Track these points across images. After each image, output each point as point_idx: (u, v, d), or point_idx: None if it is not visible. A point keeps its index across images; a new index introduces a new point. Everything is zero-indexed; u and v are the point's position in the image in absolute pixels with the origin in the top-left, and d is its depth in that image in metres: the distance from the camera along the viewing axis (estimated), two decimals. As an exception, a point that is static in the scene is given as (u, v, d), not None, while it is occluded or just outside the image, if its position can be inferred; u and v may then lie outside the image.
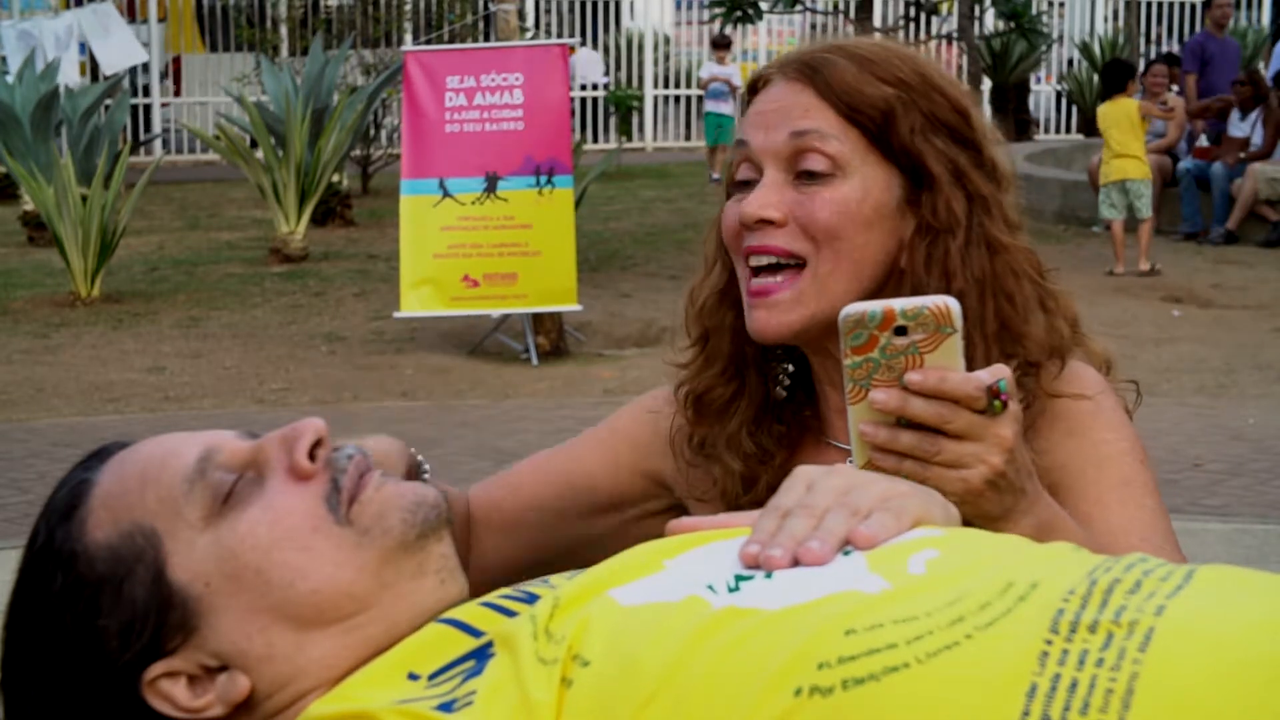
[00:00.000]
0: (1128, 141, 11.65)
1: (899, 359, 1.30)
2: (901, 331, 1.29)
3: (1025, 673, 0.98)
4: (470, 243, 8.92)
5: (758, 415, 1.64)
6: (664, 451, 1.71)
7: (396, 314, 9.21)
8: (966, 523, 1.26)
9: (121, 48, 16.60)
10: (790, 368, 1.66)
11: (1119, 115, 11.70)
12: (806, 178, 1.56)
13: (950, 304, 1.30)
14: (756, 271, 1.57)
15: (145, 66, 19.71)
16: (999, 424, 1.33)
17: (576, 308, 9.00)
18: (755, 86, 1.64)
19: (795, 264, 1.55)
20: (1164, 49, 21.79)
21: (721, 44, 18.36)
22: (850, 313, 1.30)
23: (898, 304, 1.29)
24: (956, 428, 1.32)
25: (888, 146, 1.57)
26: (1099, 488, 1.56)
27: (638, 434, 1.74)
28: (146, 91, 20.89)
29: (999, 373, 1.33)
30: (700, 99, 22.09)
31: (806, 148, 1.55)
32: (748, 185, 1.59)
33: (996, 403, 1.32)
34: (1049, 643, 0.99)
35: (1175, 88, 15.10)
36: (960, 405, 1.31)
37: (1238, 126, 13.59)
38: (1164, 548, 1.50)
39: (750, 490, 1.61)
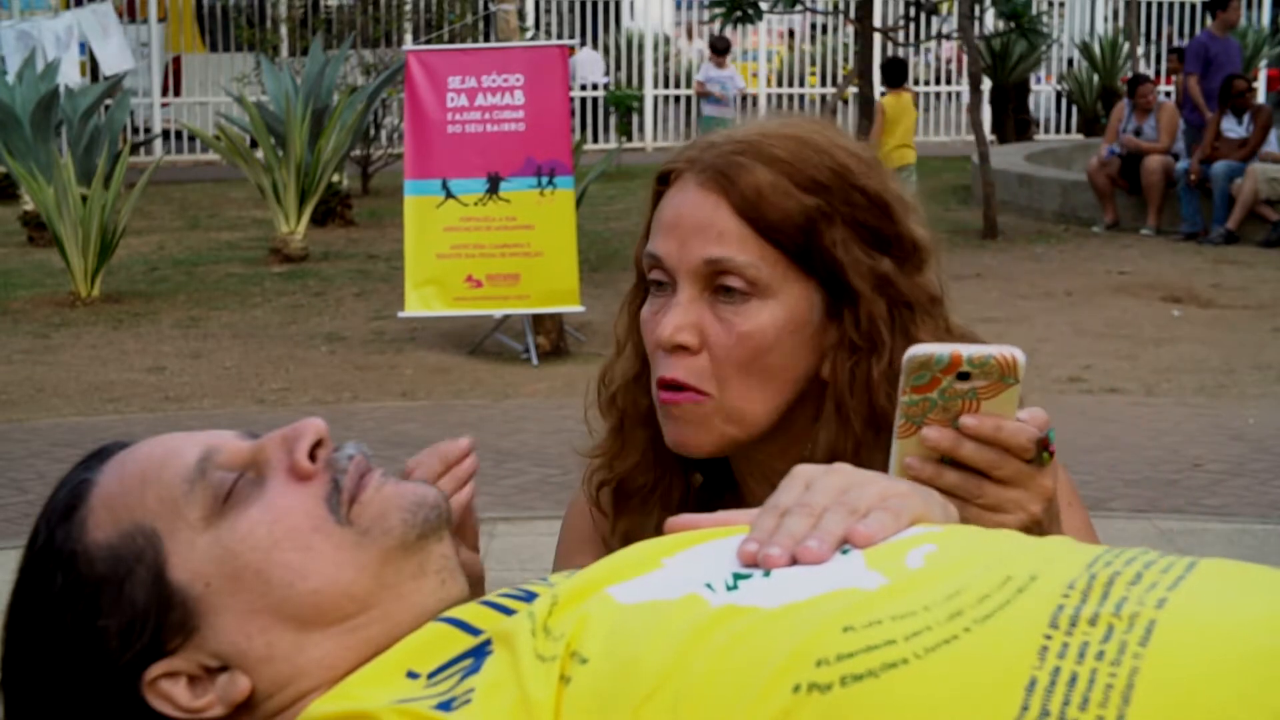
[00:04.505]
0: (908, 132, 13.49)
1: (956, 402, 1.30)
2: (964, 377, 1.29)
3: (1025, 667, 0.97)
4: (473, 243, 8.93)
5: (681, 503, 1.60)
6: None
7: (400, 314, 9.22)
8: None
9: (115, 51, 16.61)
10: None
11: (902, 108, 13.47)
12: (724, 293, 1.50)
13: (1017, 355, 1.29)
14: (664, 385, 1.53)
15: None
16: (1043, 474, 1.34)
17: (579, 309, 9.00)
18: (667, 178, 1.56)
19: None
20: (1169, 46, 21.80)
21: (721, 49, 18.32)
22: (917, 354, 1.29)
23: (965, 350, 1.29)
24: (1003, 474, 1.32)
25: (808, 262, 1.51)
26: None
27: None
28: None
29: (1040, 419, 1.33)
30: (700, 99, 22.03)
31: (723, 270, 1.50)
32: (663, 288, 1.53)
33: (1045, 454, 1.34)
34: (1049, 636, 0.99)
35: (1168, 90, 15.09)
36: (1010, 453, 1.32)
37: (1234, 130, 13.59)
38: None
39: None
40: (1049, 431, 1.34)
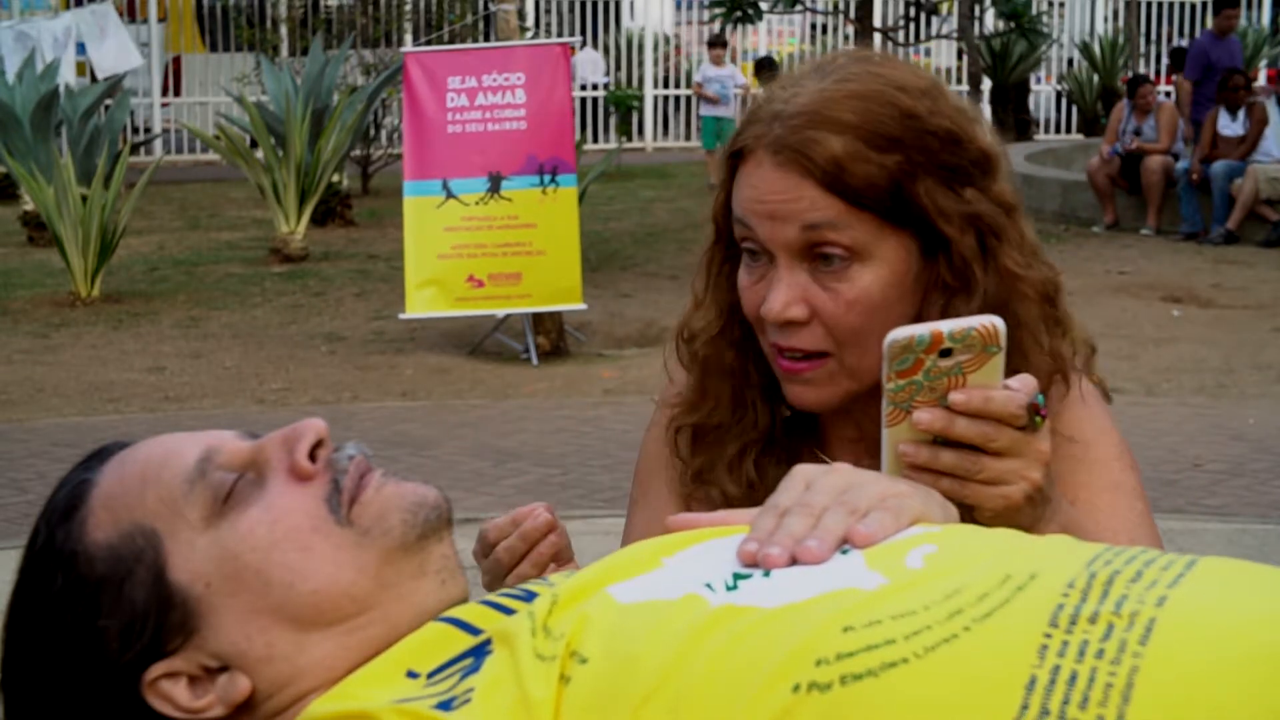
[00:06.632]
0: None
1: (942, 380, 1.28)
2: (947, 353, 1.27)
3: (1024, 665, 0.97)
4: (474, 243, 8.92)
5: (761, 440, 1.63)
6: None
7: (402, 315, 9.20)
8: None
9: (117, 51, 16.60)
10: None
11: None
12: (824, 263, 1.50)
13: (997, 324, 1.27)
14: (784, 353, 1.54)
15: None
16: (1038, 439, 1.33)
17: (581, 307, 8.99)
18: (740, 153, 1.55)
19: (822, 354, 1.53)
20: (1169, 46, 21.79)
21: (717, 44, 18.20)
22: (897, 338, 1.26)
23: (945, 326, 1.27)
24: (999, 446, 1.31)
25: (900, 217, 1.50)
26: (1090, 490, 1.55)
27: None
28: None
29: (1030, 385, 1.31)
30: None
31: (820, 239, 1.49)
32: (758, 256, 1.53)
33: (1037, 418, 1.32)
34: (1048, 635, 0.99)
35: (1167, 90, 15.06)
36: (1002, 423, 1.30)
37: (1229, 126, 13.58)
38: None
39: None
40: (1038, 396, 1.32)
